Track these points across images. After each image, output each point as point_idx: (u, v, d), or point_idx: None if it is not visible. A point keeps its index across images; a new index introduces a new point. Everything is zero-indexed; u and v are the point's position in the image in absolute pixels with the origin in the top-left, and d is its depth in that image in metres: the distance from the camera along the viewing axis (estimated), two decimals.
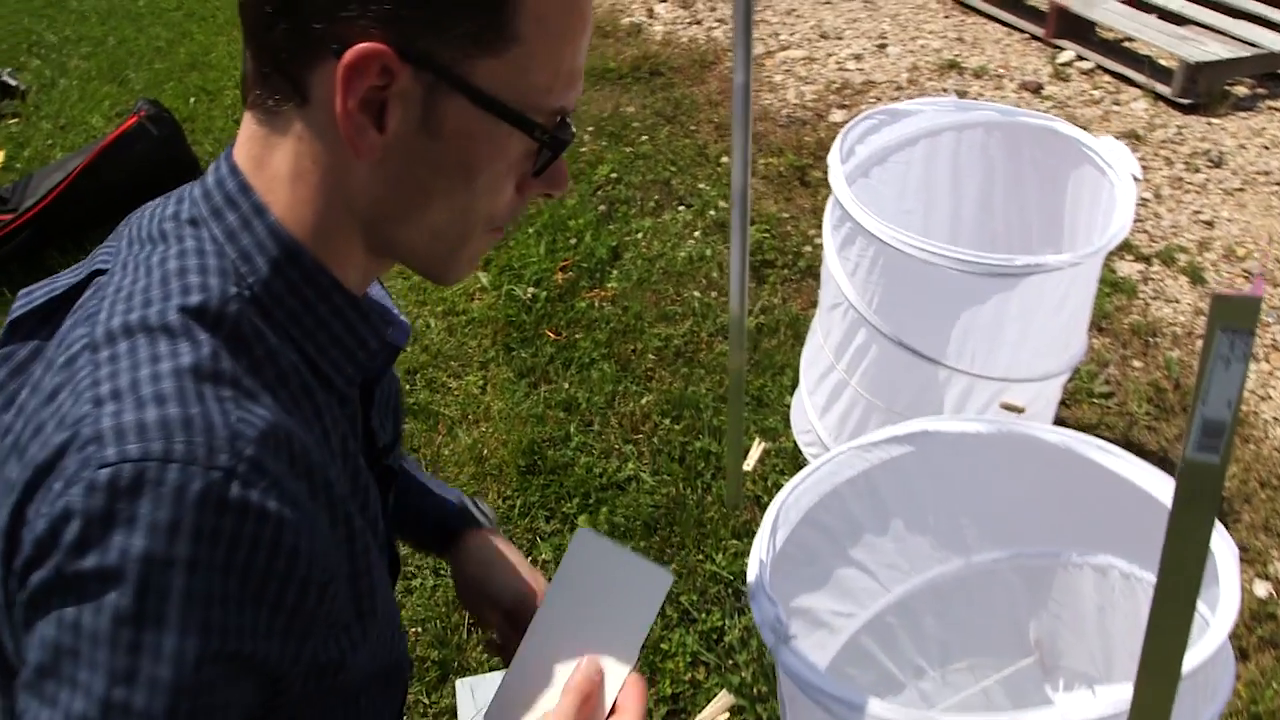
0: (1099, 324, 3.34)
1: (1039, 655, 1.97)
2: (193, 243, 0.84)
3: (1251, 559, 2.62)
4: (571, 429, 3.05)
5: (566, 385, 3.20)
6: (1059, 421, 2.87)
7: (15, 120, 4.88)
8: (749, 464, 2.87)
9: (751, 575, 1.60)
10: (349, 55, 0.76)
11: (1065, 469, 1.79)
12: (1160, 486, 1.65)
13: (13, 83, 5.04)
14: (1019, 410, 2.50)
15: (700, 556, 2.65)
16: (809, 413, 2.83)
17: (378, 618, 0.91)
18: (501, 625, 1.26)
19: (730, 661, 2.42)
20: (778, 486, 2.78)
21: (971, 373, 2.45)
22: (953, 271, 2.26)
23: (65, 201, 3.94)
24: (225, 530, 0.72)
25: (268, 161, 0.84)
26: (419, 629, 2.53)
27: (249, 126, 0.86)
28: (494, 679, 2.31)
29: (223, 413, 0.75)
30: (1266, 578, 2.55)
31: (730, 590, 2.57)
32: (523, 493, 2.87)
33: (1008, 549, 1.94)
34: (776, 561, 1.67)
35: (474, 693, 2.14)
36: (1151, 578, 1.77)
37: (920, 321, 2.46)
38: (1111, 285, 3.50)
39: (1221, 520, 2.72)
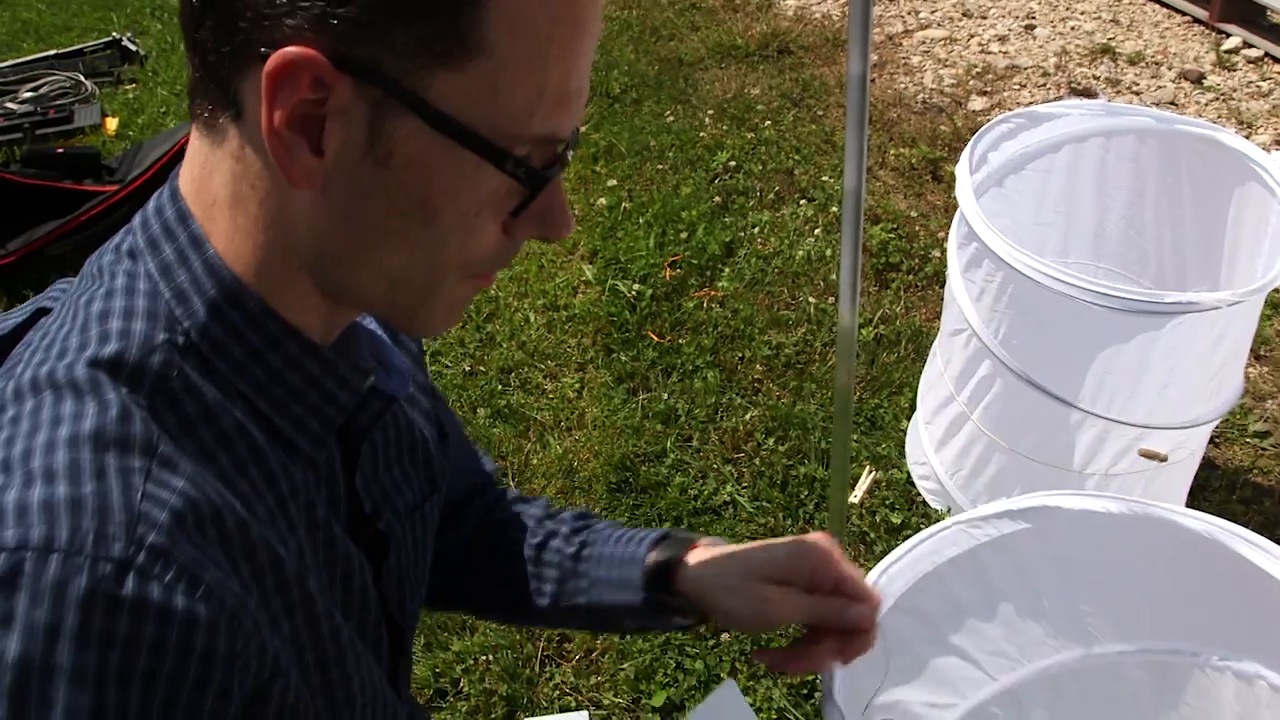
0: (1256, 350, 3.02)
1: None
2: (124, 280, 0.73)
3: None
4: (668, 444, 2.85)
5: (666, 395, 3.01)
6: (1206, 463, 2.58)
7: (133, 86, 4.83)
8: (856, 496, 2.64)
9: (827, 679, 1.39)
10: (272, 62, 0.64)
11: (1209, 562, 1.54)
12: None
13: (133, 47, 4.99)
14: (1161, 458, 2.24)
15: None
16: (924, 444, 2.59)
17: (355, 707, 0.82)
18: (780, 595, 1.00)
19: None
20: (886, 524, 2.56)
21: (1109, 417, 2.19)
22: (1093, 306, 2.00)
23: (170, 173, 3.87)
24: (118, 634, 0.60)
25: (208, 184, 0.72)
26: (489, 658, 2.38)
27: (192, 142, 0.74)
28: None
29: (124, 489, 0.63)
30: None
31: None
32: (611, 512, 2.69)
33: (1135, 642, 1.69)
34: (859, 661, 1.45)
35: None
36: None
37: (1052, 357, 2.20)
38: (1271, 306, 3.17)
39: None
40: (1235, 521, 2.53)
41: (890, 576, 1.53)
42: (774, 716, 2.21)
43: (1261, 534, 2.47)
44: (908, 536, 2.53)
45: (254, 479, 0.73)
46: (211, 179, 0.72)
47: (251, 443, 0.73)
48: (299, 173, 0.67)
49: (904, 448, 2.76)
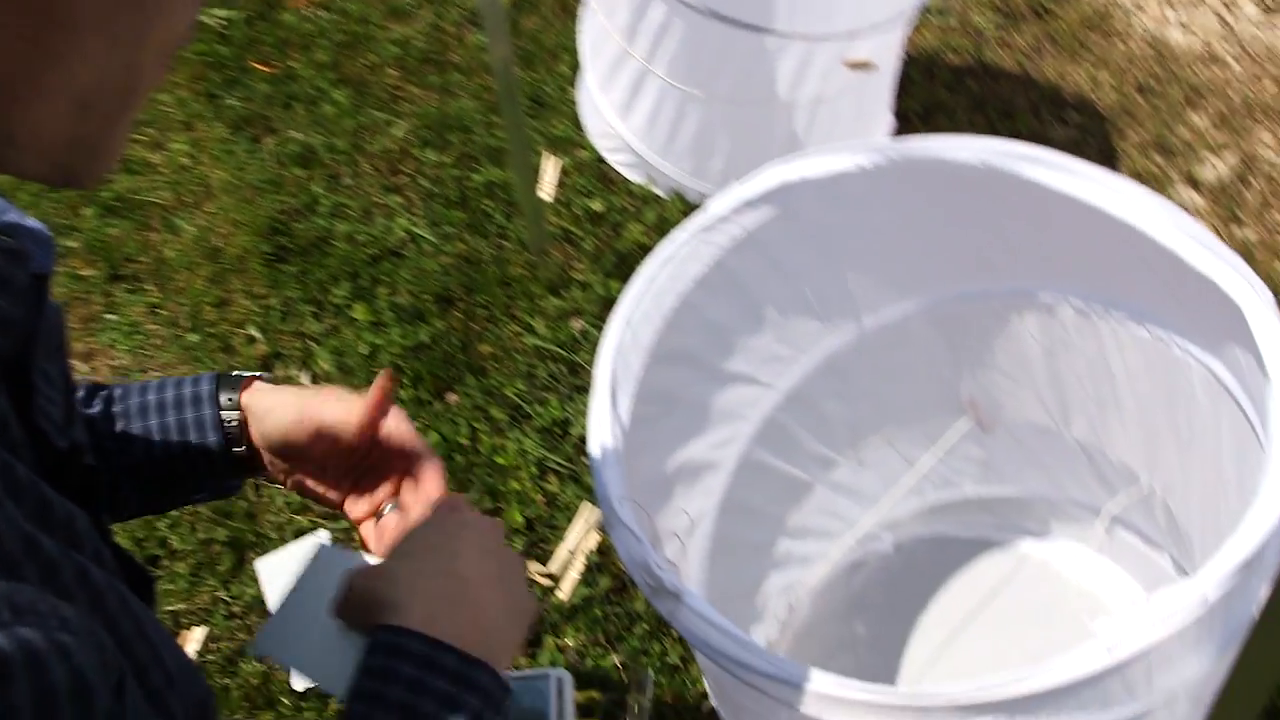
0: None
1: (974, 414, 1.56)
2: None
3: (1157, 184, 2.24)
4: (315, 189, 2.42)
5: (296, 132, 2.53)
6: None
7: None
8: (546, 191, 2.31)
9: (603, 488, 1.10)
10: None
11: (986, 191, 1.30)
12: (1115, 198, 1.18)
13: None
14: (870, 67, 1.99)
15: (516, 329, 2.14)
16: (606, 113, 2.26)
17: (175, 683, 0.62)
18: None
19: (584, 460, 1.96)
20: (588, 213, 2.26)
21: (810, 35, 1.90)
22: None
23: None
24: None
25: None
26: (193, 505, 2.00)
27: None
28: (295, 549, 1.85)
29: None
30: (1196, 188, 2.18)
31: (564, 366, 2.08)
32: (277, 288, 2.27)
33: (918, 298, 1.48)
34: (630, 441, 1.17)
35: (277, 571, 1.69)
36: (1119, 314, 1.34)
37: None
38: None
39: (1108, 145, 2.32)
40: (943, 110, 2.36)
41: (636, 327, 1.23)
42: (534, 470, 1.95)
43: (973, 115, 2.31)
44: (615, 223, 2.24)
45: None
46: None
47: None
48: None
49: (580, 123, 2.43)
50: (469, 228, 2.30)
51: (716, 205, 1.29)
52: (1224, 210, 2.21)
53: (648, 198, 2.28)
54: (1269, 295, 1.05)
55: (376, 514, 0.89)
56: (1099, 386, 1.40)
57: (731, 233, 1.30)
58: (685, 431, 1.36)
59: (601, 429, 1.12)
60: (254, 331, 2.22)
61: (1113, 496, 1.54)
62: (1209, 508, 1.29)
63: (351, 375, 2.11)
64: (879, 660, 1.61)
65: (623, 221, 2.25)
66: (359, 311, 2.20)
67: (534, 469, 1.95)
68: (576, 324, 2.11)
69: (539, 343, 2.10)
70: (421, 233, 2.31)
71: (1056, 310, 1.39)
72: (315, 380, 2.14)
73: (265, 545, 1.97)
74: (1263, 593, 0.96)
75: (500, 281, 2.20)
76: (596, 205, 2.27)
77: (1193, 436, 1.28)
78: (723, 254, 1.30)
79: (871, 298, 1.45)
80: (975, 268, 1.41)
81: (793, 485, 1.57)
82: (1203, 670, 0.98)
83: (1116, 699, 0.95)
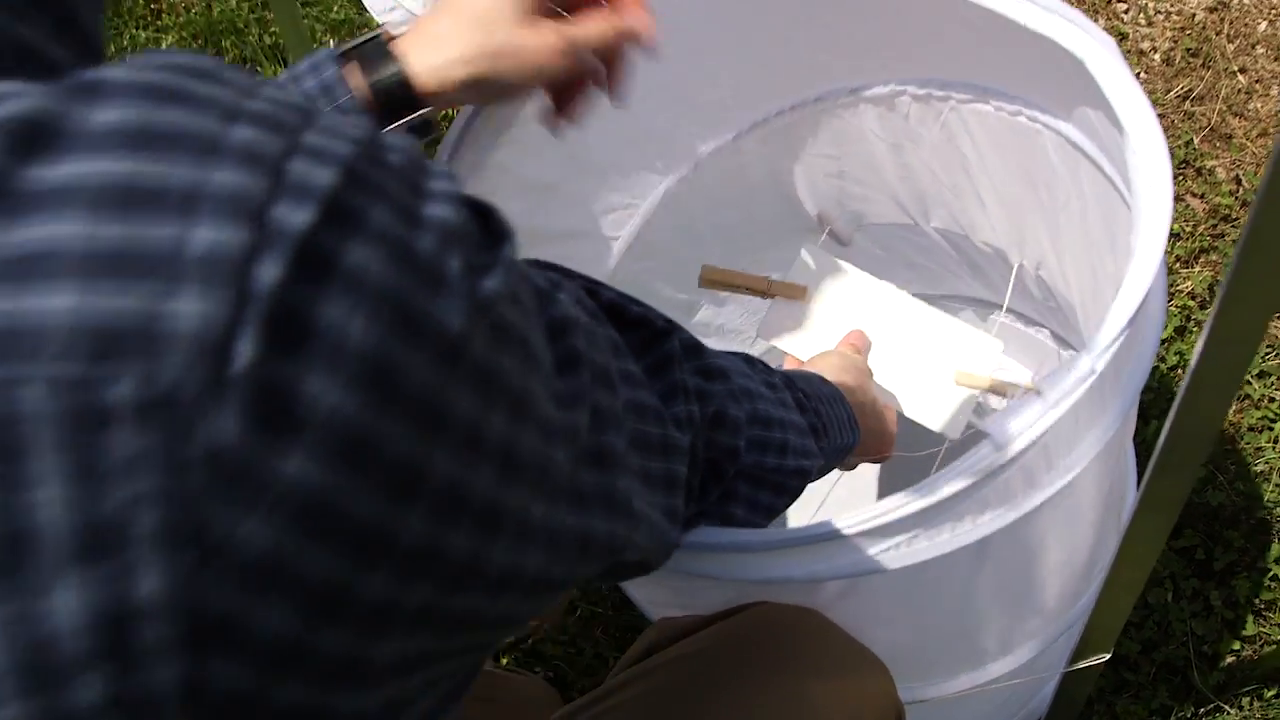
0: None
1: (828, 229, 1.48)
2: None
3: None
4: None
5: None
6: None
7: None
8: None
9: None
10: None
11: None
12: None
13: None
14: None
15: None
16: None
17: None
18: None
19: None
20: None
21: None
22: None
23: None
24: None
25: None
26: None
27: None
28: None
29: None
30: None
31: None
32: None
33: (749, 117, 1.37)
34: None
35: None
36: (958, 93, 1.25)
37: None
38: None
39: None
40: None
41: None
42: None
43: None
44: None
45: None
46: None
47: None
48: None
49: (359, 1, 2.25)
50: None
51: None
52: None
53: None
54: (1110, 41, 0.97)
55: None
56: (952, 173, 1.33)
57: None
58: None
59: None
60: None
61: (985, 283, 1.48)
62: (1084, 275, 1.24)
63: None
64: None
65: None
66: None
67: None
68: None
69: None
70: None
71: (894, 101, 1.30)
72: None
73: None
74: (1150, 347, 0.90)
75: None
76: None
77: (1056, 206, 1.21)
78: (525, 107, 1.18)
79: (696, 127, 1.35)
80: (806, 74, 1.31)
81: None
82: (1106, 438, 0.92)
83: (1019, 490, 0.90)
